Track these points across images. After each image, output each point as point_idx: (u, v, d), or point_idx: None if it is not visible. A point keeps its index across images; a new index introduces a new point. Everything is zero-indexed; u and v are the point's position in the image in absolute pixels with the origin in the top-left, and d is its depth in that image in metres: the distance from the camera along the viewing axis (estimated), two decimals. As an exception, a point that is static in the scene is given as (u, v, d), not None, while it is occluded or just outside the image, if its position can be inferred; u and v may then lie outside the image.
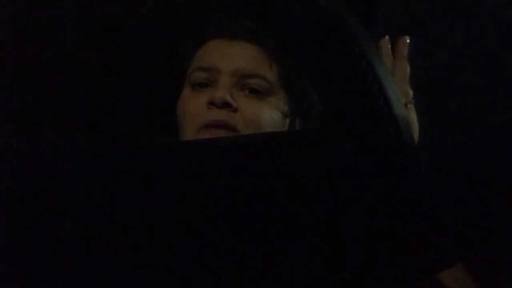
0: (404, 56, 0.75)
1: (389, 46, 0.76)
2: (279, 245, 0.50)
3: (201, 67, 0.86)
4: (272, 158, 0.50)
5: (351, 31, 0.45)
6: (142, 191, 0.49)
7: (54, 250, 0.49)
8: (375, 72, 0.45)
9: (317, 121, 0.87)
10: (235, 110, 0.82)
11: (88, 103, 0.95)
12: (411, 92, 0.75)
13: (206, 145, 0.57)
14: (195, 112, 0.84)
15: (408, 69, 0.75)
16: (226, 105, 0.82)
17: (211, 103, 0.82)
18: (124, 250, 0.50)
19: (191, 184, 0.49)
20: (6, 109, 0.84)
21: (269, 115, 0.84)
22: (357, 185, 0.48)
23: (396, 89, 0.47)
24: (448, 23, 0.97)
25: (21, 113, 0.86)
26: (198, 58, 0.88)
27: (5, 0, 0.88)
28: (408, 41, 0.76)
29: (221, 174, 0.49)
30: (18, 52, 0.89)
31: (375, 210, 0.48)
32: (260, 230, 0.50)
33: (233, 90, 0.83)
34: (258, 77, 0.84)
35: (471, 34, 0.96)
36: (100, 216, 0.49)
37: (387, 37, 0.76)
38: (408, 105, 0.74)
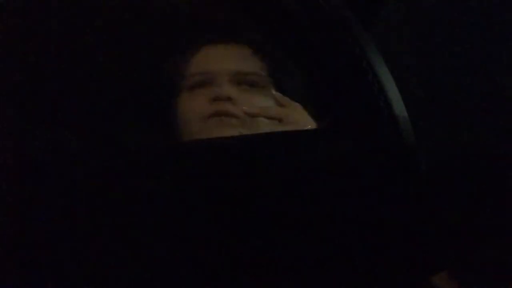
0: None
1: None
2: (280, 243, 0.50)
3: (199, 73, 0.90)
4: (273, 157, 0.50)
5: (352, 31, 0.45)
6: (142, 191, 0.49)
7: (53, 250, 0.49)
8: (375, 72, 0.45)
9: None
10: (236, 103, 0.87)
11: (87, 103, 0.95)
12: None
13: (207, 145, 0.57)
14: (198, 107, 0.88)
15: None
16: (228, 99, 0.86)
17: (215, 99, 0.86)
18: (124, 250, 0.50)
19: (191, 184, 0.49)
20: (5, 109, 0.84)
21: (264, 104, 0.89)
22: (358, 184, 0.48)
23: (396, 89, 0.47)
24: (448, 23, 0.97)
25: (20, 113, 0.86)
26: (195, 64, 0.92)
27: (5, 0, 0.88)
28: None
29: (221, 174, 0.49)
30: (17, 52, 0.89)
31: (376, 209, 0.48)
32: (260, 229, 0.50)
33: (233, 86, 0.88)
34: (254, 74, 0.89)
35: (472, 34, 0.96)
36: (99, 216, 0.49)
37: None
38: None
